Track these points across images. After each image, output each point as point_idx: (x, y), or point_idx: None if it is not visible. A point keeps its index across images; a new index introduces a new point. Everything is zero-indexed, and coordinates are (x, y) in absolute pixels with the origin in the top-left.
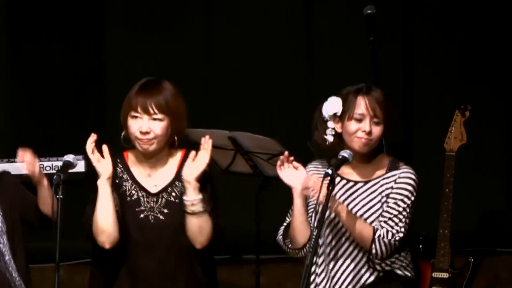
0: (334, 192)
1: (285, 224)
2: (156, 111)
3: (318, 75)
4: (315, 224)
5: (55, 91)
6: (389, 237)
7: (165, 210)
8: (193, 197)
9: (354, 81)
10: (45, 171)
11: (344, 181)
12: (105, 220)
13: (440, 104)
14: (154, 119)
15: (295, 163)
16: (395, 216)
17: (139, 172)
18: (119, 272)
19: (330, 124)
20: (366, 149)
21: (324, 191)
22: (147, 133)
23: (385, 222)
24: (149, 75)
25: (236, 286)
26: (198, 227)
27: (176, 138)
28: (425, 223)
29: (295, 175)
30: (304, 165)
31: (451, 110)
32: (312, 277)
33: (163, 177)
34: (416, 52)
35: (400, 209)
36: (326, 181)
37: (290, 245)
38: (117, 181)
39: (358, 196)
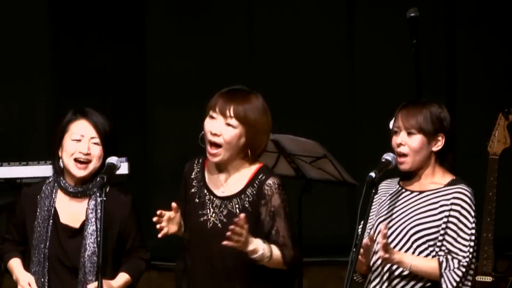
0: (387, 199)
1: None
2: (232, 115)
3: (360, 77)
4: (359, 228)
5: (97, 91)
6: (456, 265)
7: (225, 220)
8: (253, 255)
9: (397, 84)
10: None
11: (402, 190)
12: None
13: (484, 107)
14: (228, 124)
15: (366, 243)
16: (457, 242)
17: (213, 175)
18: (182, 271)
19: None
20: (405, 167)
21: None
22: (216, 135)
23: (448, 251)
24: (190, 75)
25: None
26: (272, 265)
27: (250, 153)
28: None
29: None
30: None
31: (495, 113)
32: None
33: (232, 186)
34: (459, 55)
35: (461, 233)
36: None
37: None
38: (190, 181)
39: (409, 204)
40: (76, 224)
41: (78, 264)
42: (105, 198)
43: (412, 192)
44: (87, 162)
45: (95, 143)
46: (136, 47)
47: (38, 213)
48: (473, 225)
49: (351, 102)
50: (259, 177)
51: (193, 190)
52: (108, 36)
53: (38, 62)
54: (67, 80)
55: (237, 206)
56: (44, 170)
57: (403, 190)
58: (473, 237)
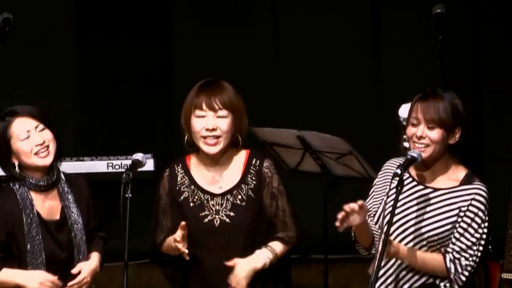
0: (402, 192)
1: None
2: (221, 106)
3: (385, 74)
4: (384, 226)
5: (122, 90)
6: (463, 267)
7: (231, 213)
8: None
9: (422, 81)
10: (114, 170)
11: (414, 183)
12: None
13: (509, 104)
14: (219, 116)
15: (354, 206)
16: (468, 240)
17: (203, 175)
18: (188, 275)
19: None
20: (423, 156)
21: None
22: (213, 130)
23: (459, 250)
24: (216, 74)
25: (304, 286)
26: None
27: (239, 137)
28: (494, 223)
29: (357, 214)
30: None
31: None
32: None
33: (228, 179)
34: (484, 51)
35: (474, 233)
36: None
37: (360, 248)
38: (177, 188)
39: (425, 201)
40: (56, 216)
41: (69, 252)
42: (130, 195)
43: (426, 187)
44: (47, 149)
45: (41, 130)
46: (162, 47)
47: (24, 220)
48: (486, 224)
49: (377, 99)
50: (253, 162)
51: (184, 196)
52: (134, 36)
53: (64, 61)
54: (93, 79)
55: (239, 196)
56: (70, 167)
57: (415, 182)
58: (484, 236)
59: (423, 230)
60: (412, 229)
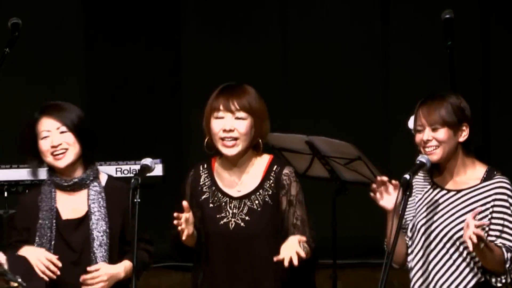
0: (424, 198)
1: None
2: (238, 108)
3: (394, 78)
4: (394, 230)
5: (131, 94)
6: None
7: (247, 218)
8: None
9: (431, 84)
10: (122, 175)
11: (438, 189)
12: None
13: None
14: (237, 118)
15: (393, 182)
16: (504, 238)
17: (225, 177)
18: (204, 276)
19: None
20: (435, 158)
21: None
22: (230, 131)
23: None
24: (225, 77)
25: None
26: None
27: (260, 141)
28: None
29: (392, 196)
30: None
31: None
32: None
33: (247, 183)
34: (493, 55)
35: (507, 229)
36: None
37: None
38: (199, 188)
39: (449, 205)
40: (78, 216)
41: (83, 254)
42: (139, 200)
43: (448, 191)
44: (64, 151)
45: (62, 132)
46: (172, 51)
47: (40, 214)
48: None
49: (385, 103)
50: (274, 169)
51: (205, 196)
52: (143, 40)
53: (72, 65)
54: (102, 83)
55: (256, 202)
56: None
57: (438, 188)
58: None
59: (452, 232)
60: (442, 233)
